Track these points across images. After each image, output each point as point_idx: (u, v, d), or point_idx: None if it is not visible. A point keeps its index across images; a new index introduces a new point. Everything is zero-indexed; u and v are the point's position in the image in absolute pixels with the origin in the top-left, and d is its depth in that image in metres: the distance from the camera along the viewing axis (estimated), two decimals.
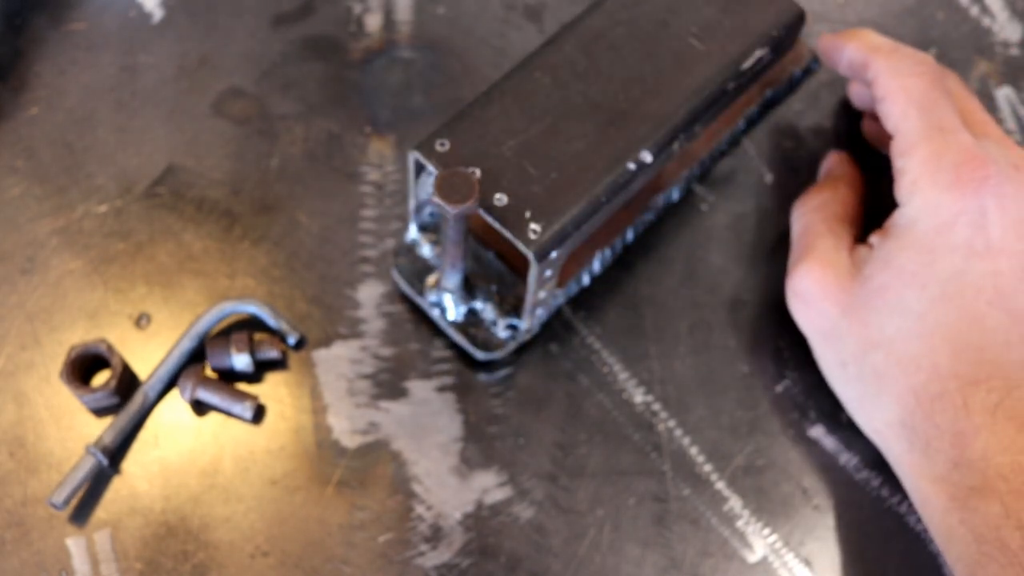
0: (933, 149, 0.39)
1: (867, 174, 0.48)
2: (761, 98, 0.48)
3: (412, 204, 0.44)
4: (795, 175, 0.50)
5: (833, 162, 0.48)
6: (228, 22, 0.53)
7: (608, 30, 0.42)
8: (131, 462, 0.43)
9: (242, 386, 0.44)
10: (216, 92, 0.51)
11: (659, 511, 0.43)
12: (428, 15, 0.53)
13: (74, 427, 0.43)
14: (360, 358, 0.45)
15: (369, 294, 0.46)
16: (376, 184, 0.49)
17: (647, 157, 0.40)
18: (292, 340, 0.45)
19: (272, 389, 0.45)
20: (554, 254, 0.38)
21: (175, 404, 0.44)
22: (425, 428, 0.44)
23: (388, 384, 0.45)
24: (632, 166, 0.40)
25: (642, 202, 0.46)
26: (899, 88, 0.41)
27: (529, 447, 0.44)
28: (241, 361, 0.44)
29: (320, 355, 0.45)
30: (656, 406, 0.45)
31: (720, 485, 0.44)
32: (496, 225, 0.38)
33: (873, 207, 0.46)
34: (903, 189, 0.40)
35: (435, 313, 0.45)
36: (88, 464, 0.41)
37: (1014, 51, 0.54)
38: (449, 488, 0.43)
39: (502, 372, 0.45)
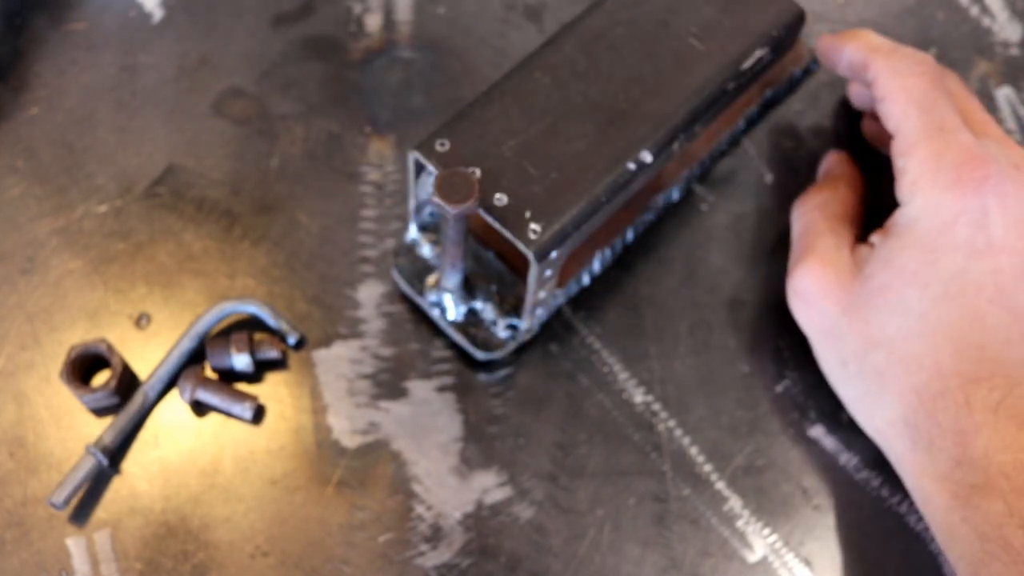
0: (934, 149, 0.39)
1: (867, 174, 0.48)
2: (761, 98, 0.48)
3: (412, 204, 0.44)
4: (795, 175, 0.50)
5: (833, 162, 0.48)
6: (228, 22, 0.53)
7: (608, 30, 0.42)
8: (131, 462, 0.43)
9: (242, 386, 0.44)
10: (216, 92, 0.51)
11: (659, 511, 0.43)
12: (428, 15, 0.53)
13: (74, 427, 0.43)
14: (360, 358, 0.45)
15: (369, 294, 0.46)
16: (376, 184, 0.49)
17: (647, 157, 0.40)
18: (292, 340, 0.45)
19: (272, 389, 0.45)
20: (554, 254, 0.38)
21: (175, 404, 0.44)
22: (425, 428, 0.44)
23: (388, 384, 0.45)
24: (632, 166, 0.40)
25: (642, 202, 0.46)
26: (899, 88, 0.41)
27: (529, 447, 0.44)
28: (241, 361, 0.44)
29: (320, 355, 0.45)
30: (656, 406, 0.45)
31: (720, 485, 0.44)
32: (496, 225, 0.38)
33: (873, 207, 0.46)
34: (904, 189, 0.40)
35: (435, 313, 0.45)
36: (88, 464, 0.41)
37: (1014, 51, 0.54)
38: (449, 488, 0.43)
39: (502, 372, 0.45)
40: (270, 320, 0.45)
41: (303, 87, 0.51)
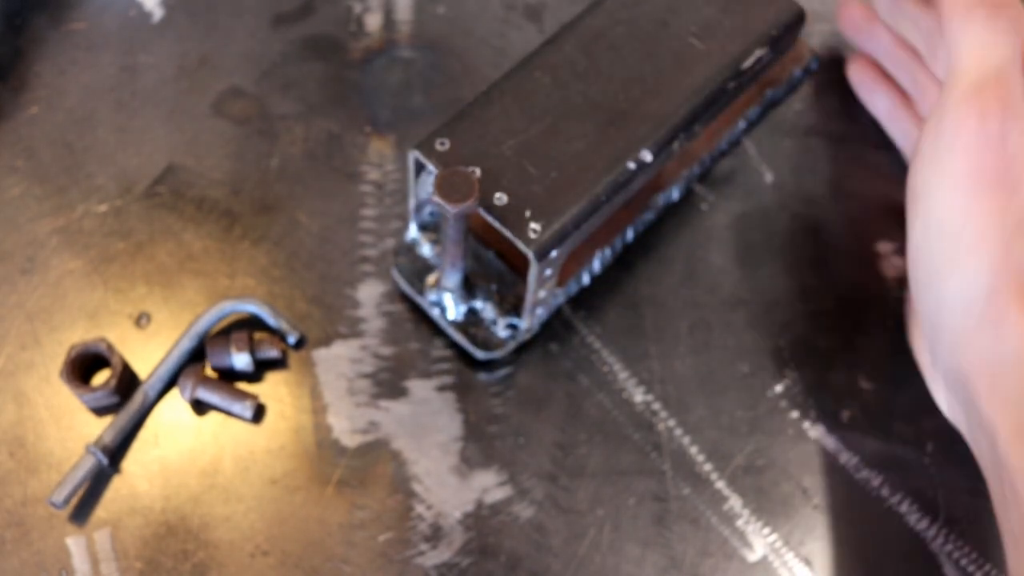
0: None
1: (873, 167, 0.48)
2: (761, 98, 0.48)
3: (412, 203, 0.44)
4: (795, 175, 0.50)
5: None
6: (228, 22, 0.53)
7: (608, 30, 0.42)
8: (131, 461, 0.43)
9: (242, 386, 0.44)
10: (216, 92, 0.51)
11: (659, 511, 0.43)
12: (428, 15, 0.53)
13: (74, 427, 0.43)
14: (360, 357, 0.45)
15: (369, 294, 0.46)
16: (376, 184, 0.49)
17: (647, 156, 0.40)
18: (292, 339, 0.45)
19: (272, 389, 0.45)
20: (554, 253, 0.38)
21: (175, 403, 0.44)
22: (425, 427, 0.44)
23: (388, 383, 0.45)
24: (632, 165, 0.40)
25: (642, 201, 0.46)
26: None
27: (529, 447, 0.44)
28: (241, 360, 0.44)
29: (320, 354, 0.45)
30: (656, 406, 0.45)
31: (720, 485, 0.44)
32: (496, 224, 0.38)
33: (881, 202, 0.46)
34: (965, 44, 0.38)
35: (435, 312, 0.45)
36: (88, 463, 0.41)
37: None
38: (449, 487, 0.43)
39: (502, 372, 0.45)
40: (270, 320, 0.45)
41: (303, 87, 0.51)
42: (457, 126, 0.40)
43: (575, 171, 0.39)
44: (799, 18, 0.43)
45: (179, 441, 0.43)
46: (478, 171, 0.39)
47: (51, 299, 0.46)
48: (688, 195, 0.49)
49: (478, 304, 0.44)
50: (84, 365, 0.44)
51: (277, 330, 0.45)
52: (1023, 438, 0.36)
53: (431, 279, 0.45)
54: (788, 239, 0.46)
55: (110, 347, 0.43)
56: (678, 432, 0.45)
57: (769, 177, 0.50)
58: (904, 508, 0.43)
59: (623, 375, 0.46)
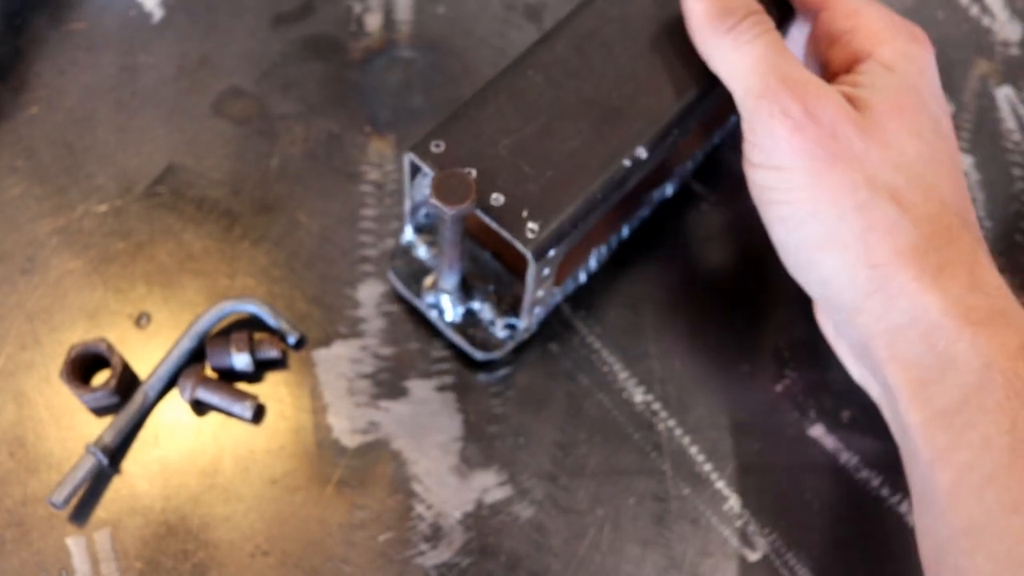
0: (878, 9, 0.41)
1: None
2: None
3: (408, 206, 0.44)
4: None
5: None
6: (228, 22, 0.53)
7: (600, 27, 0.42)
8: (131, 462, 0.43)
9: (242, 386, 0.44)
10: (216, 92, 0.51)
11: (659, 511, 0.43)
12: (428, 15, 0.53)
13: (74, 427, 0.43)
14: (360, 357, 0.45)
15: (369, 294, 0.46)
16: (376, 184, 0.49)
17: (642, 154, 0.40)
18: (292, 340, 0.45)
19: (272, 389, 0.45)
20: (552, 252, 0.38)
21: (175, 404, 0.44)
22: (425, 427, 0.44)
23: (388, 383, 0.45)
24: (628, 163, 0.40)
25: (637, 198, 0.46)
26: None
27: (529, 447, 0.44)
28: (241, 361, 0.44)
29: (320, 355, 0.45)
30: (656, 406, 0.45)
31: (720, 485, 0.44)
32: (494, 225, 0.38)
33: None
34: (865, 41, 0.40)
35: (433, 315, 0.45)
36: (88, 464, 0.41)
37: (1014, 51, 0.54)
38: (449, 487, 0.43)
39: (502, 372, 0.45)
40: (270, 320, 0.45)
41: (303, 87, 0.51)
42: (452, 127, 0.40)
43: (571, 170, 0.39)
44: (790, 11, 0.44)
45: (179, 441, 0.43)
46: (474, 172, 0.39)
47: (51, 299, 0.46)
48: (688, 195, 0.49)
49: (476, 305, 0.44)
50: (84, 365, 0.44)
51: (277, 330, 0.45)
52: (920, 395, 0.36)
53: (428, 281, 0.45)
54: None
55: (110, 347, 0.43)
56: (678, 432, 0.45)
57: None
58: (904, 508, 0.43)
59: (623, 375, 0.46)
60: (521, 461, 0.44)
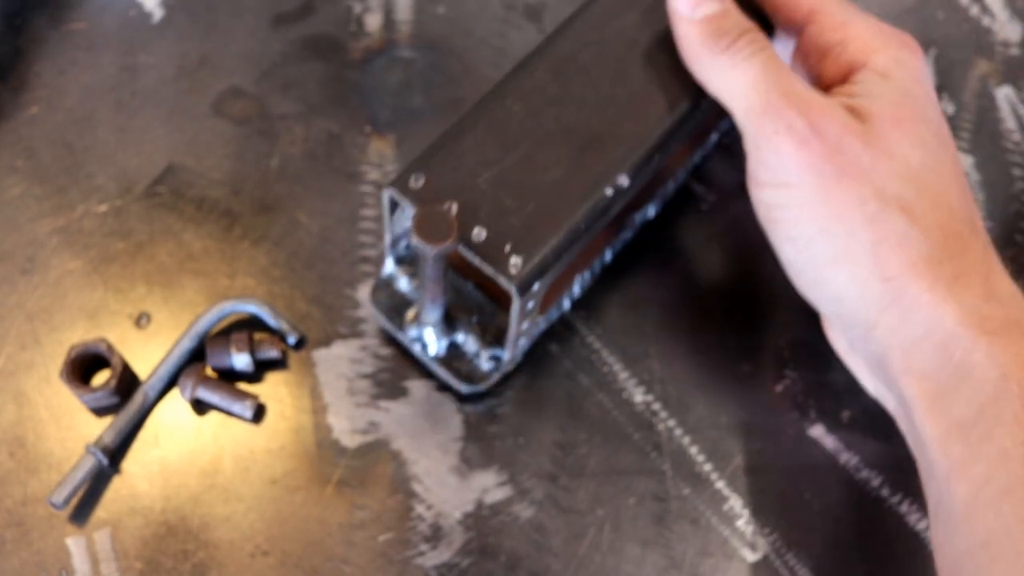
0: (867, 19, 0.41)
1: None
2: None
3: (388, 239, 0.43)
4: None
5: None
6: (228, 22, 0.53)
7: (578, 52, 0.41)
8: (131, 462, 0.43)
9: (242, 386, 0.44)
10: (216, 92, 0.51)
11: (659, 511, 0.43)
12: (428, 15, 0.53)
13: (74, 427, 0.43)
14: (360, 357, 0.45)
15: (369, 294, 0.46)
16: (376, 184, 0.49)
17: (624, 181, 0.39)
18: (292, 340, 0.45)
19: (272, 389, 0.45)
20: (536, 286, 0.38)
21: (175, 404, 0.44)
22: (425, 428, 0.44)
23: (388, 383, 0.45)
24: (610, 191, 0.39)
25: (619, 222, 0.45)
26: None
27: (529, 447, 0.44)
28: (241, 361, 0.44)
29: (320, 355, 0.45)
30: (656, 406, 0.45)
31: (720, 485, 0.44)
32: (477, 261, 0.37)
33: None
34: (857, 52, 0.40)
35: (416, 348, 0.44)
36: (88, 464, 0.41)
37: (1014, 51, 0.54)
38: (449, 488, 0.43)
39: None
40: (270, 320, 0.45)
41: (303, 87, 0.51)
42: (431, 160, 0.39)
43: (553, 200, 0.38)
44: (769, 30, 0.43)
45: (179, 441, 0.43)
46: (455, 207, 0.38)
47: (51, 299, 0.46)
48: (688, 195, 0.49)
49: (460, 337, 0.44)
50: (84, 365, 0.44)
51: (277, 330, 0.45)
52: (936, 407, 0.36)
53: (410, 314, 0.44)
54: None
55: (110, 347, 0.43)
56: (678, 432, 0.45)
57: None
58: (904, 508, 0.43)
59: (623, 375, 0.46)
60: (521, 461, 0.44)
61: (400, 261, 0.45)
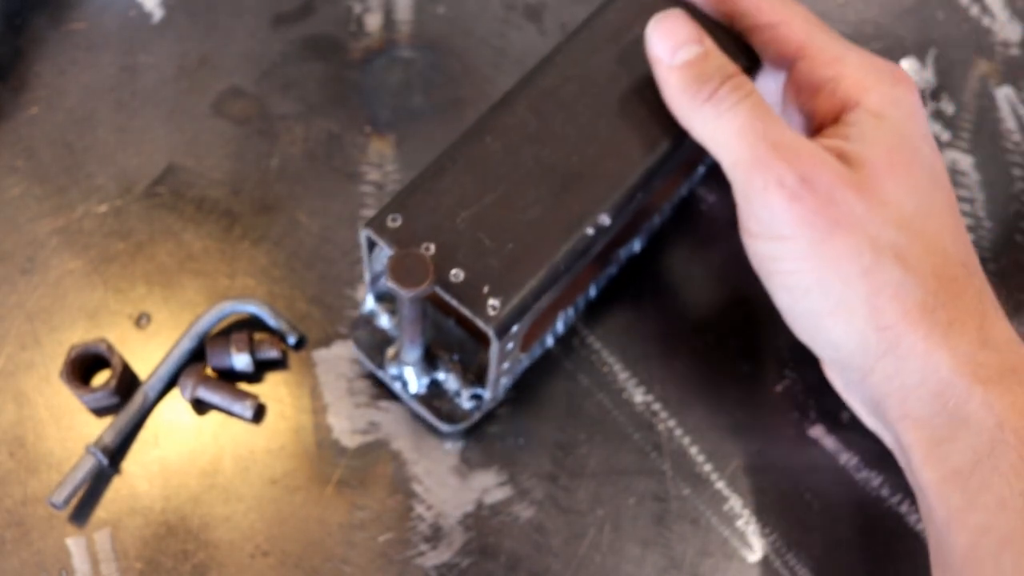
0: (859, 54, 0.40)
1: None
2: None
3: (367, 276, 0.42)
4: None
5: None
6: (228, 22, 0.53)
7: (559, 88, 0.40)
8: (131, 462, 0.43)
9: (242, 386, 0.44)
10: (216, 92, 0.51)
11: (659, 511, 0.43)
12: (428, 15, 0.53)
13: (74, 427, 0.43)
14: (360, 358, 0.45)
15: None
16: (376, 184, 0.49)
17: (605, 220, 0.38)
18: (292, 340, 0.45)
19: (272, 389, 0.45)
20: (515, 328, 0.37)
21: (175, 404, 0.44)
22: (425, 428, 0.44)
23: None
24: (591, 231, 0.38)
25: (603, 258, 0.45)
26: (793, 12, 0.41)
27: (529, 447, 0.44)
28: (241, 361, 0.44)
29: (320, 355, 0.45)
30: (656, 406, 0.45)
31: (720, 485, 0.44)
32: (454, 303, 0.37)
33: None
34: (851, 89, 0.40)
35: (397, 386, 0.43)
36: (88, 464, 0.41)
37: (1014, 51, 0.54)
38: (449, 488, 0.43)
39: None
40: (270, 320, 0.45)
41: (303, 87, 0.51)
42: (409, 200, 0.38)
43: (532, 241, 0.38)
44: (756, 63, 0.42)
45: (179, 441, 0.43)
46: (433, 247, 0.37)
47: (51, 299, 0.46)
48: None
49: (440, 375, 0.43)
50: (84, 365, 0.44)
51: (277, 330, 0.45)
52: (934, 454, 0.36)
53: (391, 352, 0.43)
54: None
55: (110, 347, 0.43)
56: (678, 432, 0.45)
57: None
58: (904, 508, 0.43)
59: (623, 375, 0.46)
60: (521, 461, 0.44)
61: (380, 298, 0.44)
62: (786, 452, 0.44)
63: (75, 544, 0.42)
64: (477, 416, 0.43)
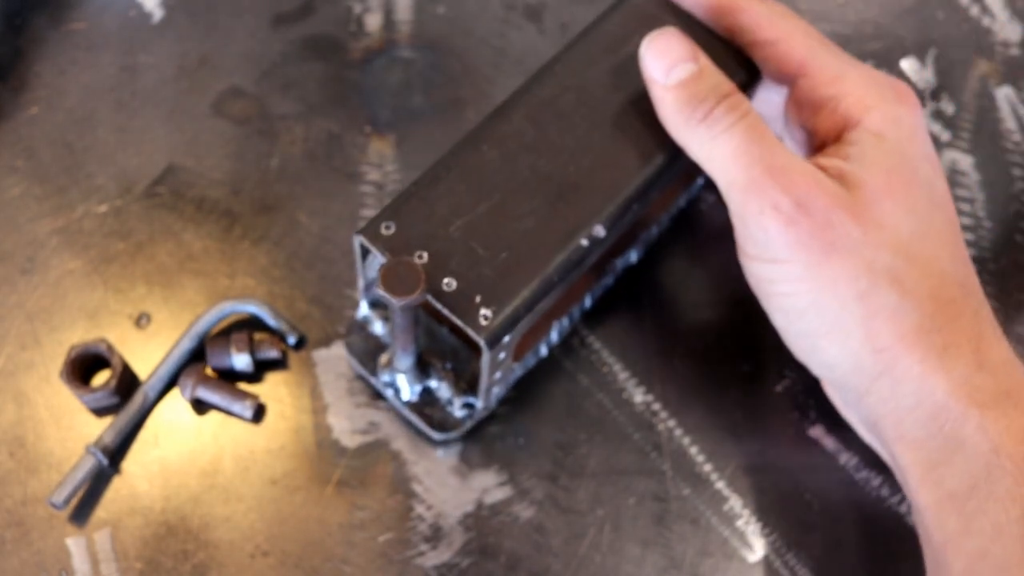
0: (860, 71, 0.40)
1: None
2: None
3: (361, 283, 0.42)
4: None
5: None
6: (228, 22, 0.53)
7: (556, 97, 0.40)
8: (131, 462, 0.43)
9: (242, 386, 0.44)
10: (216, 92, 0.51)
11: (659, 511, 0.43)
12: (428, 15, 0.53)
13: (74, 427, 0.43)
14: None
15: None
16: (376, 184, 0.49)
17: (600, 232, 0.38)
18: (292, 340, 0.45)
19: (272, 389, 0.45)
20: (507, 338, 0.37)
21: (175, 404, 0.44)
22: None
23: None
24: (585, 242, 0.38)
25: (599, 268, 0.44)
26: (794, 28, 0.41)
27: (529, 447, 0.44)
28: (241, 361, 0.44)
29: (320, 355, 0.45)
30: (656, 406, 0.45)
31: (720, 485, 0.44)
32: (445, 312, 0.36)
33: None
34: (852, 108, 0.39)
35: (389, 393, 0.43)
36: (88, 464, 0.41)
37: (1014, 51, 0.54)
38: (449, 488, 0.43)
39: None
40: (270, 320, 0.45)
41: (303, 87, 0.51)
42: (402, 208, 0.38)
43: (526, 251, 0.37)
44: (755, 75, 0.42)
45: (179, 441, 0.43)
46: (425, 255, 0.37)
47: (51, 299, 0.46)
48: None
49: (433, 383, 0.43)
50: (84, 365, 0.44)
51: (277, 330, 0.45)
52: (930, 477, 0.36)
53: (384, 359, 0.43)
54: None
55: (110, 347, 0.43)
56: (678, 432, 0.45)
57: None
58: (904, 508, 0.43)
59: (623, 375, 0.46)
60: (521, 461, 0.44)
61: (374, 304, 0.44)
62: (786, 452, 0.44)
63: (75, 544, 0.42)
64: (469, 424, 0.43)
